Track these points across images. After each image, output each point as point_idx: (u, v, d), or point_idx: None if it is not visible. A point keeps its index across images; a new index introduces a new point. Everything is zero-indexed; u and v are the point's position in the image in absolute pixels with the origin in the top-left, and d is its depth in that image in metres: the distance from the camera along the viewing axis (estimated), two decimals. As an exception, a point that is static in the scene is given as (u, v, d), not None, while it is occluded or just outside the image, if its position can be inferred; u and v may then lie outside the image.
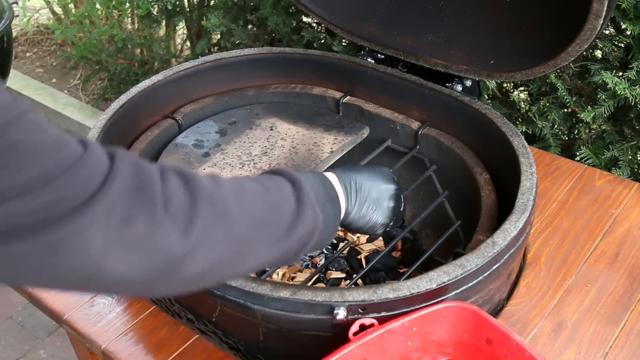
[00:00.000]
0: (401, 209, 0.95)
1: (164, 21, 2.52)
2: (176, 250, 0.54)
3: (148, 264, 0.52)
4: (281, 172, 0.75)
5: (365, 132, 1.30)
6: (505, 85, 1.73)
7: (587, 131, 1.55)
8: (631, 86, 1.35)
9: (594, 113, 1.42)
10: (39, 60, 3.44)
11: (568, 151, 1.56)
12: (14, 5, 2.27)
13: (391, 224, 0.94)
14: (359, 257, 1.30)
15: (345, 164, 1.29)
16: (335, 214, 0.80)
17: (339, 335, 0.84)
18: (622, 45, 1.46)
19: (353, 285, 1.13)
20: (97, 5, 2.71)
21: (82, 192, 0.46)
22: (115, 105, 1.26)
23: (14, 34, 3.31)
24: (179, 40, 2.87)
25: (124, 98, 1.28)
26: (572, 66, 1.50)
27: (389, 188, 0.92)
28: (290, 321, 0.88)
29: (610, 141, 1.49)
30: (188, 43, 2.70)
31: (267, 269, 1.27)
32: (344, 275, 1.26)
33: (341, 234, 1.36)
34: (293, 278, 1.26)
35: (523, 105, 1.63)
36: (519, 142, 1.11)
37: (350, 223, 0.88)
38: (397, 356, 0.87)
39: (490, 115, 1.19)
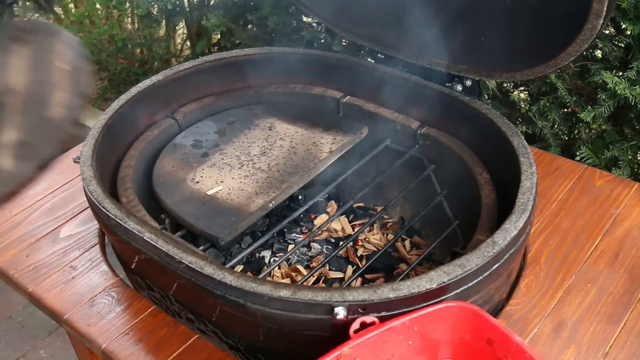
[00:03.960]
0: None
1: (164, 21, 2.52)
2: None
3: None
4: None
5: (364, 131, 1.30)
6: (505, 85, 1.73)
7: (587, 131, 1.55)
8: (631, 86, 1.35)
9: (594, 113, 1.42)
10: (38, 60, 3.44)
11: (568, 151, 1.56)
12: (14, 5, 2.27)
13: None
14: (358, 256, 1.30)
15: (344, 163, 1.29)
16: None
17: (339, 335, 0.84)
18: (622, 45, 1.46)
19: (352, 285, 1.13)
20: (97, 5, 2.71)
21: None
22: (115, 105, 1.26)
23: (14, 34, 3.31)
24: (179, 40, 2.87)
25: (124, 98, 1.28)
26: (572, 66, 1.50)
27: None
28: (290, 321, 0.88)
29: (610, 141, 1.49)
30: (188, 43, 2.70)
31: (266, 267, 1.27)
32: (343, 274, 1.26)
33: (340, 233, 1.36)
34: (294, 276, 1.26)
35: (523, 105, 1.63)
36: (519, 142, 1.11)
37: None
38: (398, 355, 0.87)
39: (490, 115, 1.19)
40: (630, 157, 1.46)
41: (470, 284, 0.90)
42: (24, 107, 0.87)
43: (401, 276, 1.08)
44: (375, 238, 1.35)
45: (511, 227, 0.94)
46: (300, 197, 1.42)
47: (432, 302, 0.87)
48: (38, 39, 0.95)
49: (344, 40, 1.78)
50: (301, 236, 1.37)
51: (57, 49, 0.93)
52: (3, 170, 0.79)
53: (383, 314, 0.86)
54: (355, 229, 1.37)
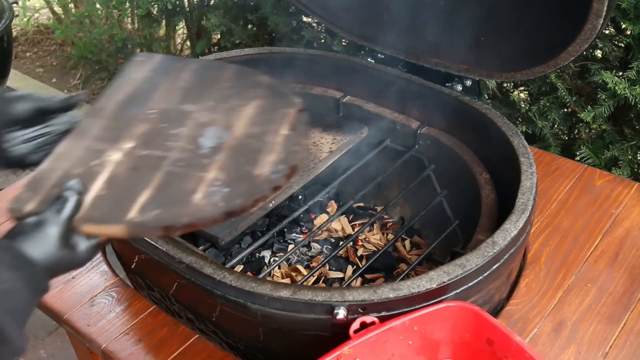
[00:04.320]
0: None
1: (164, 21, 2.52)
2: None
3: None
4: None
5: (365, 132, 1.30)
6: (505, 85, 1.73)
7: (587, 131, 1.55)
8: (631, 86, 1.35)
9: (594, 113, 1.42)
10: (39, 60, 3.44)
11: (568, 151, 1.56)
12: (14, 5, 2.27)
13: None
14: (357, 255, 1.30)
15: (344, 163, 1.29)
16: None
17: (339, 335, 0.84)
18: (622, 45, 1.46)
19: (352, 285, 1.13)
20: (97, 5, 2.71)
21: None
22: (115, 105, 1.26)
23: (14, 34, 3.31)
24: (179, 40, 2.87)
25: (124, 98, 1.28)
26: (572, 66, 1.50)
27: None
28: (290, 321, 0.88)
29: (610, 141, 1.49)
30: (188, 43, 2.70)
31: (266, 267, 1.26)
32: (343, 274, 1.26)
33: (340, 233, 1.36)
34: (294, 276, 1.26)
35: (523, 105, 1.63)
36: (519, 142, 1.11)
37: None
38: (398, 355, 0.87)
39: (490, 115, 1.19)
40: (630, 157, 1.46)
41: (470, 284, 0.90)
42: (234, 153, 0.91)
43: (401, 276, 1.08)
44: (375, 238, 1.35)
45: (511, 227, 0.94)
46: (300, 197, 1.42)
47: (432, 302, 0.87)
48: (274, 99, 1.02)
49: (344, 40, 1.78)
50: (301, 236, 1.37)
51: (286, 115, 0.98)
52: (192, 203, 0.81)
53: (383, 314, 0.86)
54: (355, 229, 1.37)
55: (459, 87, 1.25)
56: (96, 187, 0.84)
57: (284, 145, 0.93)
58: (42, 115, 0.88)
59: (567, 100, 1.49)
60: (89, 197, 0.82)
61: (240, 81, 1.07)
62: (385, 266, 1.27)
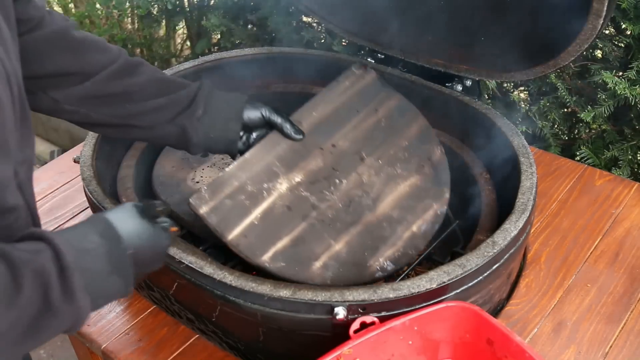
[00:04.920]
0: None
1: (164, 21, 2.51)
2: None
3: None
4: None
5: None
6: (505, 85, 1.73)
7: (587, 131, 1.55)
8: (631, 86, 1.35)
9: (594, 113, 1.42)
10: (38, 60, 3.43)
11: (568, 151, 1.56)
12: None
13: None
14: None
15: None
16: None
17: (339, 335, 0.84)
18: (622, 45, 1.46)
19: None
20: (97, 5, 2.70)
21: None
22: (115, 105, 1.26)
23: (14, 34, 3.30)
24: (179, 40, 2.87)
25: (124, 98, 1.28)
26: (572, 66, 1.50)
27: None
28: (290, 321, 0.88)
29: (610, 141, 1.49)
30: (188, 43, 2.70)
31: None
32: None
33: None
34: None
35: (523, 105, 1.63)
36: (519, 142, 1.11)
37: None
38: (398, 355, 0.87)
39: (490, 115, 1.19)
40: (630, 157, 1.46)
41: (470, 284, 0.90)
42: (366, 232, 0.99)
43: (401, 276, 1.08)
44: (375, 238, 1.34)
45: (511, 227, 0.94)
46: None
47: (432, 302, 0.87)
48: (430, 183, 1.08)
49: (344, 40, 1.78)
50: (301, 236, 1.37)
51: (428, 209, 1.05)
52: (310, 269, 0.95)
53: (383, 314, 0.86)
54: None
55: (459, 87, 1.25)
56: (254, 214, 0.96)
57: (405, 244, 1.00)
58: (266, 124, 1.02)
59: (567, 100, 1.49)
60: (246, 220, 0.95)
61: (417, 145, 1.11)
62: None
